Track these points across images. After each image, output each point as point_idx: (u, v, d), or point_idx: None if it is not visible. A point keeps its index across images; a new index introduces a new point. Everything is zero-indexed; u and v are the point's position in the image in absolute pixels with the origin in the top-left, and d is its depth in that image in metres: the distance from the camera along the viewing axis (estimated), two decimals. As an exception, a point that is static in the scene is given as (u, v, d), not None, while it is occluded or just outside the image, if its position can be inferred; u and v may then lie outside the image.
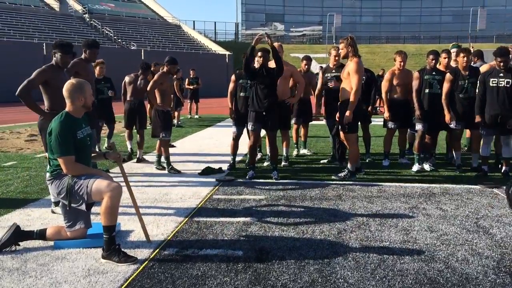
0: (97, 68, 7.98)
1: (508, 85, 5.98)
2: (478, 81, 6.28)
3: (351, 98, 5.93)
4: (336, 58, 7.07)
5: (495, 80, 6.08)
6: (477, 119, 6.24)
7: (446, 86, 6.53)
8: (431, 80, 6.58)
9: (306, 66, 7.93)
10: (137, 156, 7.63)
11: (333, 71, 7.06)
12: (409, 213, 4.64)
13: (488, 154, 6.45)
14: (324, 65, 7.54)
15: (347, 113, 5.93)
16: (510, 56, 6.29)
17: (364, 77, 7.12)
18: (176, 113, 13.12)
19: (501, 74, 6.03)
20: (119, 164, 3.91)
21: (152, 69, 12.44)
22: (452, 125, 6.58)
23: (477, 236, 3.96)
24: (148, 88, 6.71)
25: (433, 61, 6.61)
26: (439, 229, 4.15)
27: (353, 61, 6.00)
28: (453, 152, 6.99)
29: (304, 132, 8.27)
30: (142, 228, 3.78)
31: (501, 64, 6.00)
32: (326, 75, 7.15)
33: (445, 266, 3.33)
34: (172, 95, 7.09)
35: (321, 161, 7.50)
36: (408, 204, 4.97)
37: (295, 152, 8.16)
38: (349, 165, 6.27)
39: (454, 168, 6.80)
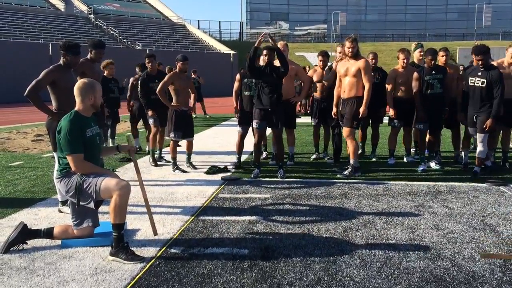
0: (107, 68, 8.32)
1: (483, 85, 5.91)
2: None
3: (366, 95, 6.06)
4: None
5: (473, 79, 6.05)
6: (459, 117, 6.44)
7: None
8: (431, 80, 6.45)
9: (322, 63, 7.34)
10: None
11: None
12: (415, 211, 4.63)
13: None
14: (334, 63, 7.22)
15: (362, 108, 6.08)
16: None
17: (378, 77, 7.11)
18: None
19: (479, 73, 5.96)
20: (132, 155, 3.95)
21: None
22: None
23: (483, 234, 3.94)
24: (157, 90, 6.71)
25: (432, 61, 6.51)
26: (446, 227, 4.14)
27: (363, 60, 6.10)
28: (460, 150, 6.97)
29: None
30: (150, 221, 3.78)
31: (479, 62, 5.95)
32: None
33: (452, 264, 3.32)
34: (193, 94, 7.10)
35: (327, 160, 7.48)
36: (414, 202, 4.96)
37: (313, 156, 7.64)
38: (352, 161, 6.26)
39: (461, 166, 6.77)
